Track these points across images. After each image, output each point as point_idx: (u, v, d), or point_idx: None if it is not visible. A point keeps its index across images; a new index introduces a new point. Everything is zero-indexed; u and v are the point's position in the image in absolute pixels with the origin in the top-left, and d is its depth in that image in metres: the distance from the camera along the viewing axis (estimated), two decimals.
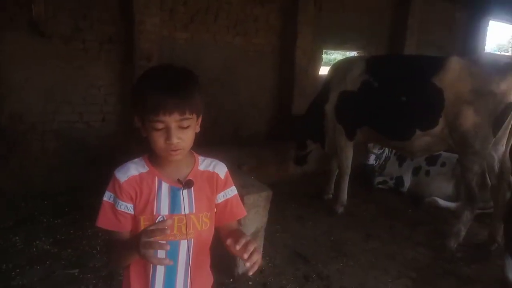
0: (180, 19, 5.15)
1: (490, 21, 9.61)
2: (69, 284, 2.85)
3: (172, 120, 1.18)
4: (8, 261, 3.07)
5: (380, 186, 5.24)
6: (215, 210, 1.39)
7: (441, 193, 4.70)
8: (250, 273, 1.16)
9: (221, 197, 1.39)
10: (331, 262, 3.33)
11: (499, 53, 13.40)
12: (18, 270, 2.96)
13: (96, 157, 4.56)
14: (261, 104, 6.25)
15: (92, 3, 4.46)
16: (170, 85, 1.19)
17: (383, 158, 5.23)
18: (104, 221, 1.27)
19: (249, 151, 5.16)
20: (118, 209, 1.26)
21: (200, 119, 1.31)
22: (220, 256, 3.04)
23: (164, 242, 1.09)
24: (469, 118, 3.38)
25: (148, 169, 1.30)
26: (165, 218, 1.25)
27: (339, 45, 7.21)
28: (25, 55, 4.21)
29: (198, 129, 1.31)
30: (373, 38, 7.35)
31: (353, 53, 7.66)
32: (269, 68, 6.23)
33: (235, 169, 3.48)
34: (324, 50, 7.13)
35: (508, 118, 3.38)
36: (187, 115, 1.20)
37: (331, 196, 4.77)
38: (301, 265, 3.26)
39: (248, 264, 1.13)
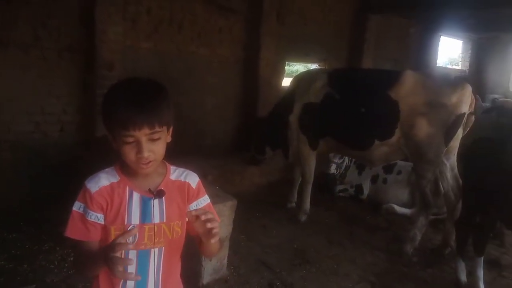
0: (143, 29, 5.11)
1: (442, 37, 10.21)
2: None
3: (142, 134, 1.19)
4: None
5: (341, 194, 5.39)
6: (187, 219, 1.39)
7: (398, 200, 4.92)
8: (212, 241, 1.23)
9: (193, 207, 1.40)
10: (295, 269, 3.39)
11: (450, 66, 14.19)
12: None
13: (53, 169, 4.41)
14: (226, 114, 6.28)
15: (52, 11, 4.34)
16: (138, 99, 1.20)
17: (343, 167, 5.40)
18: (73, 231, 1.26)
19: (214, 161, 5.17)
20: (88, 219, 1.25)
21: (171, 129, 1.33)
22: (186, 267, 3.04)
23: (129, 258, 1.15)
24: (423, 128, 3.58)
25: (119, 178, 1.30)
26: (136, 228, 1.25)
27: (302, 57, 7.41)
28: None
29: (169, 139, 1.33)
30: (334, 51, 7.62)
31: (314, 66, 7.87)
32: (234, 79, 6.30)
33: (200, 179, 3.49)
34: (286, 62, 7.29)
35: (459, 128, 3.61)
36: (157, 128, 1.21)
37: (294, 204, 4.85)
38: (266, 273, 3.30)
39: (209, 225, 1.20)
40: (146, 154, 1.21)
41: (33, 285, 2.90)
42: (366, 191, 5.27)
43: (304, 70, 8.35)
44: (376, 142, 3.82)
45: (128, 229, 1.24)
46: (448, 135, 3.58)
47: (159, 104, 1.24)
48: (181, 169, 1.43)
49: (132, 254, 1.27)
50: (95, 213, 1.26)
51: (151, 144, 1.23)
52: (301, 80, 4.52)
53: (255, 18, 6.10)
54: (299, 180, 4.81)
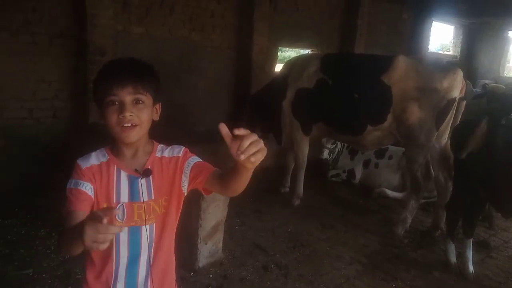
0: (134, 13, 5.06)
1: (434, 22, 10.22)
2: (24, 285, 2.76)
3: (126, 93, 1.23)
4: None
5: (333, 179, 5.46)
6: (186, 186, 1.38)
7: (389, 184, 5.01)
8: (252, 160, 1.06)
9: (188, 165, 1.38)
10: (289, 252, 3.45)
11: (442, 52, 14.23)
12: None
13: (47, 154, 4.40)
14: (218, 99, 6.28)
15: None
16: (124, 64, 1.28)
17: (336, 153, 5.45)
18: (75, 204, 1.24)
19: (207, 147, 5.17)
20: (81, 188, 1.26)
21: (159, 108, 1.37)
22: (181, 250, 3.08)
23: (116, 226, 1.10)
24: (415, 113, 3.62)
25: (108, 158, 1.33)
26: (124, 206, 1.30)
27: (294, 42, 7.39)
28: None
29: (156, 117, 1.36)
30: (326, 36, 7.61)
31: (307, 51, 7.86)
32: (226, 64, 6.28)
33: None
34: (279, 47, 7.27)
35: (450, 113, 3.66)
36: (140, 90, 1.25)
37: (287, 189, 4.91)
38: (260, 256, 3.35)
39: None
40: (127, 114, 1.23)
41: (30, 269, 2.92)
42: (358, 175, 5.34)
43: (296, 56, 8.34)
44: (369, 127, 3.86)
45: (117, 207, 1.28)
46: (439, 119, 3.63)
47: (144, 70, 1.30)
48: (169, 147, 1.45)
49: (124, 231, 1.31)
50: (86, 183, 1.27)
51: (134, 106, 1.25)
52: (294, 65, 4.52)
53: (248, 2, 6.05)
54: (292, 165, 4.86)
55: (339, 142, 5.33)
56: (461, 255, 3.24)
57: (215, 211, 3.01)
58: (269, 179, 5.28)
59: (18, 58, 4.26)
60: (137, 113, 1.25)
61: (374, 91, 3.78)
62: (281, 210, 4.36)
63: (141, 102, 1.26)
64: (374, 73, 3.78)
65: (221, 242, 3.21)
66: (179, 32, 5.57)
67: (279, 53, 7.40)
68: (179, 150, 1.43)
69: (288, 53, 14.92)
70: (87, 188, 1.27)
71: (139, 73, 1.27)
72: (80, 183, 1.27)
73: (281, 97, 4.39)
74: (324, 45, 7.53)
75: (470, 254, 3.18)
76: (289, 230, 3.90)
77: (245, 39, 6.17)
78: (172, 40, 5.51)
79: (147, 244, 1.35)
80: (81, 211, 1.25)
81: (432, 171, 4.01)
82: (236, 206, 3.73)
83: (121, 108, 1.23)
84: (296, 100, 4.29)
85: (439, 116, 3.61)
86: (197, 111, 6.02)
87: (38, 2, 4.28)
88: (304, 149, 4.45)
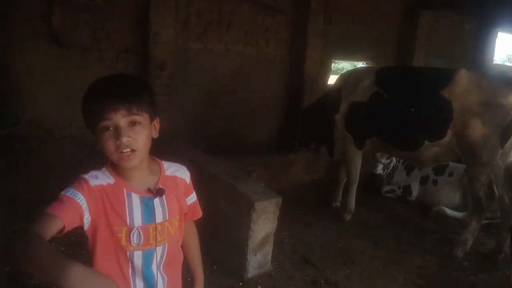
0: (193, 30, 5.29)
1: (499, 32, 9.65)
2: None
3: (119, 117, 1.14)
4: None
5: (387, 194, 5.29)
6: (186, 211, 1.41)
7: (448, 203, 4.75)
8: None
9: (188, 201, 1.42)
10: (339, 269, 3.39)
11: (508, 63, 13.38)
12: None
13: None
14: (270, 112, 6.35)
15: (109, 15, 4.61)
16: (113, 83, 1.19)
17: (390, 168, 5.29)
18: (55, 207, 1.11)
19: (258, 158, 5.25)
20: (76, 199, 1.13)
21: (157, 124, 1.28)
22: (230, 260, 3.14)
23: None
24: (477, 129, 3.44)
25: (114, 180, 1.24)
26: (140, 230, 1.23)
27: (349, 55, 7.31)
28: (44, 64, 4.35)
29: (156, 134, 1.28)
30: (382, 49, 7.44)
31: (361, 64, 7.74)
32: (279, 77, 6.34)
33: (245, 176, 3.58)
34: (333, 60, 7.23)
35: None
36: (135, 111, 1.16)
37: (339, 203, 4.83)
38: (309, 270, 3.32)
39: None
40: (124, 139, 1.14)
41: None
42: (414, 192, 5.13)
43: (350, 68, 8.24)
44: (426, 142, 3.71)
45: (132, 232, 1.21)
46: (504, 137, 3.41)
47: (136, 87, 1.21)
48: (174, 164, 1.40)
49: (138, 255, 1.26)
50: (84, 199, 1.14)
51: (131, 130, 1.16)
52: (348, 78, 4.48)
53: (302, 17, 6.09)
54: (344, 179, 4.78)
55: (394, 157, 5.17)
56: None
57: (264, 223, 3.04)
58: (321, 192, 5.24)
59: (86, 72, 4.59)
60: (135, 136, 1.17)
61: (433, 105, 3.64)
62: (332, 225, 4.30)
63: (137, 123, 1.17)
64: (433, 87, 3.65)
65: (270, 254, 3.22)
66: (235, 47, 5.73)
67: (332, 65, 7.35)
68: (186, 175, 1.41)
69: (341, 65, 14.77)
70: (84, 205, 1.14)
71: (131, 91, 1.17)
72: (78, 195, 1.13)
73: (334, 110, 4.36)
74: (380, 58, 7.37)
75: None
76: (340, 245, 3.83)
77: (299, 53, 6.20)
78: (228, 54, 5.68)
79: (156, 264, 1.30)
80: (60, 219, 1.08)
81: (496, 191, 3.76)
82: (286, 218, 3.73)
83: (117, 133, 1.14)
84: (350, 113, 4.24)
85: (504, 133, 3.40)
86: (250, 123, 6.12)
87: (107, 20, 4.61)
88: (357, 163, 4.37)
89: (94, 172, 1.23)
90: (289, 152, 5.40)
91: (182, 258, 1.45)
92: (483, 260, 3.67)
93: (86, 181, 1.18)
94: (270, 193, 3.13)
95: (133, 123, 1.17)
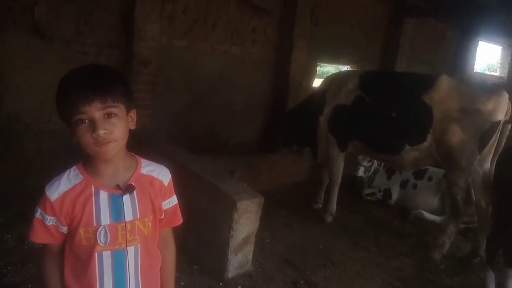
0: (179, 27, 5.24)
1: (480, 42, 9.89)
2: None
3: (94, 109, 1.11)
4: (0, 259, 3.08)
5: (368, 197, 5.34)
6: (162, 216, 1.36)
7: (427, 206, 4.83)
8: None
9: (165, 205, 1.36)
10: (319, 270, 3.40)
11: (488, 72, 13.72)
12: (10, 268, 2.98)
13: None
14: (254, 113, 6.35)
15: (94, 8, 4.53)
16: (87, 74, 1.15)
17: (371, 171, 5.35)
18: (36, 236, 1.23)
19: (241, 159, 5.24)
20: (48, 224, 1.21)
21: (134, 115, 1.26)
22: (210, 260, 3.12)
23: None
24: (456, 135, 3.51)
25: (82, 178, 1.22)
26: (106, 229, 1.21)
27: (334, 59, 7.38)
28: (25, 57, 4.25)
29: (133, 126, 1.25)
30: (367, 53, 7.55)
31: (346, 67, 7.83)
32: (264, 79, 6.35)
33: (227, 175, 3.56)
34: (318, 63, 7.28)
35: (494, 136, 3.52)
36: (110, 102, 1.13)
37: (320, 205, 4.85)
38: (290, 271, 3.33)
39: None
40: (101, 131, 1.12)
41: None
42: (394, 196, 5.20)
43: (335, 71, 8.33)
44: (407, 147, 3.77)
45: (98, 230, 1.20)
46: (482, 143, 3.49)
47: (110, 78, 1.18)
48: (154, 164, 1.36)
49: (107, 255, 1.22)
50: (55, 220, 1.21)
51: (107, 122, 1.14)
52: (332, 81, 4.52)
53: (289, 19, 6.12)
54: (326, 181, 4.81)
55: (375, 161, 5.23)
56: (500, 285, 3.07)
57: (246, 223, 3.03)
58: (303, 193, 5.26)
59: (68, 66, 4.49)
60: (111, 128, 1.14)
61: (414, 110, 3.70)
62: (312, 226, 4.31)
63: (113, 115, 1.15)
64: (415, 92, 3.71)
65: (251, 254, 3.21)
66: (221, 46, 5.71)
67: (317, 68, 7.40)
68: (167, 177, 1.36)
69: (326, 68, 14.89)
70: (58, 225, 1.21)
71: (105, 82, 1.15)
72: (48, 219, 1.20)
73: (318, 112, 4.38)
74: (365, 62, 7.48)
75: (510, 284, 3.01)
76: (320, 247, 3.85)
77: (284, 54, 6.22)
78: (214, 53, 5.65)
79: (133, 266, 1.26)
80: (58, 244, 1.25)
81: (474, 196, 3.85)
82: (267, 219, 3.73)
83: (93, 126, 1.12)
84: (333, 116, 4.27)
85: (482, 139, 3.48)
86: (234, 123, 6.11)
87: (90, 14, 4.53)
88: (339, 166, 4.41)
89: (59, 178, 1.22)
90: (269, 152, 5.40)
91: (160, 264, 1.39)
92: (459, 264, 3.74)
93: (47, 198, 1.19)
94: (252, 193, 3.12)
95: (108, 115, 1.14)
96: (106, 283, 1.22)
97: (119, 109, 1.16)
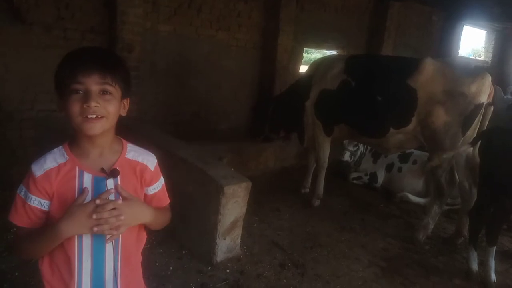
0: (163, 12, 5.15)
1: (465, 26, 9.97)
2: None
3: (92, 82, 1.12)
4: None
5: (355, 181, 5.41)
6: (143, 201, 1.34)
7: (412, 189, 4.92)
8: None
9: (151, 190, 1.34)
10: (306, 252, 3.45)
11: (473, 57, 13.86)
12: None
13: None
14: (242, 98, 6.33)
15: None
16: (93, 51, 1.18)
17: (358, 155, 5.40)
18: (15, 216, 1.20)
19: (229, 145, 5.24)
20: (30, 204, 1.17)
21: (127, 103, 1.26)
22: (199, 244, 3.13)
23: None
24: (440, 117, 3.55)
25: (67, 158, 1.20)
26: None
27: (320, 44, 7.36)
28: (5, 43, 4.14)
29: (124, 113, 1.25)
30: (353, 38, 7.54)
31: (332, 52, 7.82)
32: (251, 64, 6.32)
33: (215, 160, 3.56)
34: (305, 49, 7.26)
35: (477, 118, 3.58)
36: (108, 80, 1.14)
37: (307, 190, 4.89)
38: (278, 254, 3.37)
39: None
40: (93, 104, 1.11)
41: None
42: (380, 179, 5.28)
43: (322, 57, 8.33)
44: (392, 130, 3.81)
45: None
46: (466, 125, 3.55)
47: (114, 60, 1.20)
48: (140, 149, 1.34)
49: (87, 239, 1.19)
50: (38, 199, 1.17)
51: (101, 97, 1.14)
52: (319, 66, 4.51)
53: (274, 2, 6.07)
54: (313, 166, 4.85)
55: (361, 145, 5.28)
56: (483, 264, 3.16)
57: (234, 207, 3.04)
58: (290, 178, 5.30)
59: (50, 53, 4.40)
60: (104, 104, 1.14)
61: (399, 93, 3.73)
62: (300, 210, 4.36)
63: (108, 93, 1.15)
64: (400, 76, 3.73)
65: (239, 238, 3.24)
66: (206, 31, 5.64)
67: (305, 55, 7.38)
68: (152, 162, 1.33)
69: (314, 55, 14.87)
70: (41, 203, 1.18)
71: (108, 62, 1.16)
72: (31, 198, 1.17)
73: (305, 97, 4.39)
74: (351, 47, 7.48)
75: (492, 262, 3.10)
76: (308, 230, 3.89)
77: (270, 39, 6.19)
78: (199, 39, 5.58)
79: (112, 254, 1.23)
80: (34, 229, 1.19)
81: (457, 177, 3.92)
82: (255, 204, 3.76)
83: (86, 97, 1.11)
84: (319, 101, 4.28)
85: (466, 121, 3.53)
86: (221, 109, 6.09)
87: None
88: (326, 150, 4.44)
89: (45, 156, 1.21)
90: (256, 138, 5.39)
91: (140, 258, 1.39)
92: (443, 244, 3.83)
93: (31, 175, 1.18)
94: (239, 178, 3.13)
95: (104, 92, 1.15)
96: (84, 266, 1.20)
97: (115, 90, 1.17)
